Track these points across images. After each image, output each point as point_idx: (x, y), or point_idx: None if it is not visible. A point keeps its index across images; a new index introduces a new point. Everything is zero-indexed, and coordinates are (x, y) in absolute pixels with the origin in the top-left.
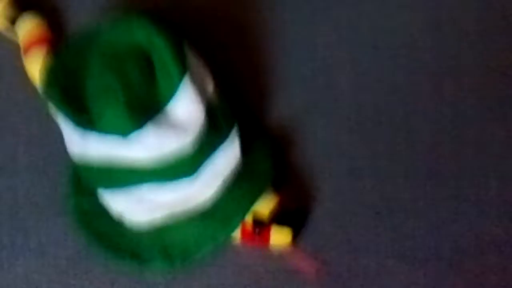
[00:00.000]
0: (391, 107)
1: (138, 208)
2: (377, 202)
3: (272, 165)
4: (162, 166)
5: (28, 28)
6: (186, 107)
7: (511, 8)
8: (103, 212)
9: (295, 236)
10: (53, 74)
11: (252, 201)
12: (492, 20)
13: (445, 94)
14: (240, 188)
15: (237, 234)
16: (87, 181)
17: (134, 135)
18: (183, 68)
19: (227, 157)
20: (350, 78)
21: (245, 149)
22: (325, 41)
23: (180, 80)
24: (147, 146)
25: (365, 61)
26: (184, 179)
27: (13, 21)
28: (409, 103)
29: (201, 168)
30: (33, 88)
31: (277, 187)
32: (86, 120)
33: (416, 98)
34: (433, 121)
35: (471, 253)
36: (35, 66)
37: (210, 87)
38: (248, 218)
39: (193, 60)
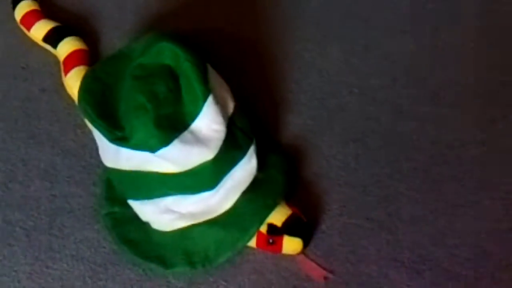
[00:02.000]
0: (398, 128)
1: (163, 217)
2: (381, 216)
3: (286, 180)
4: (186, 179)
5: (69, 48)
6: (209, 125)
7: None
8: (132, 220)
9: (305, 246)
10: (89, 93)
11: (267, 213)
12: None
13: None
14: (257, 200)
15: (253, 242)
16: (119, 191)
17: (162, 151)
18: (207, 90)
19: (245, 171)
20: (358, 98)
21: (262, 164)
22: (337, 67)
23: (204, 100)
24: (173, 160)
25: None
26: (206, 191)
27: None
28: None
29: (221, 181)
30: (72, 104)
31: (290, 200)
32: (119, 137)
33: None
34: (445, 154)
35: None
36: (74, 84)
37: (231, 106)
38: (263, 228)
39: (216, 81)
